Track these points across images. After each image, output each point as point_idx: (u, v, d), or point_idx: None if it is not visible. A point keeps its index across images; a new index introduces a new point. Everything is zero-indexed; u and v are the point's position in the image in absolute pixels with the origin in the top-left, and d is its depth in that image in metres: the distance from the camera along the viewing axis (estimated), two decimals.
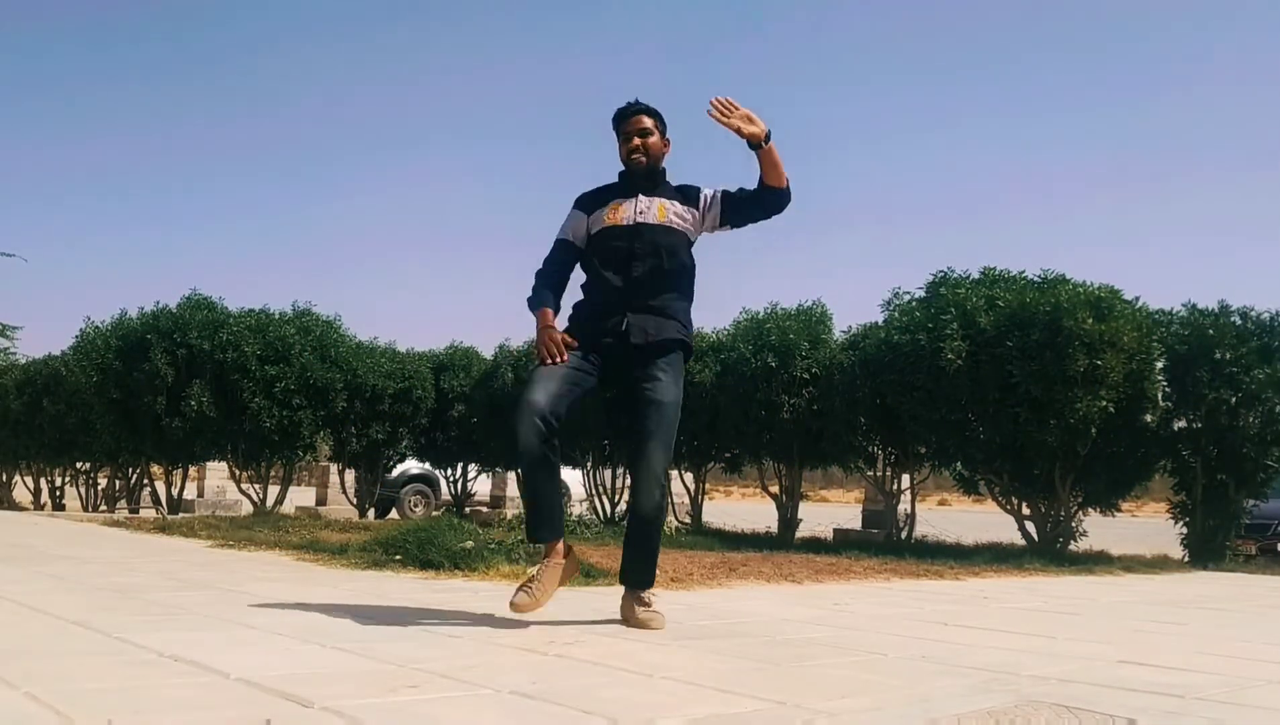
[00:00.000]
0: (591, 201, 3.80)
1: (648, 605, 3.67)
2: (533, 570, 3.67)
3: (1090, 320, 8.09)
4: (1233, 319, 8.74)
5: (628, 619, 3.66)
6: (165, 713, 2.06)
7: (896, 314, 9.41)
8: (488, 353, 13.80)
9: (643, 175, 3.75)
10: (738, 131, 3.57)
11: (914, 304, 9.37)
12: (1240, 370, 8.41)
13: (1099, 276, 10.08)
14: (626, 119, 3.74)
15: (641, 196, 3.73)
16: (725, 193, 3.81)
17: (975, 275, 9.35)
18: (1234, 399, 8.48)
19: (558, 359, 3.61)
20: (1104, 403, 8.16)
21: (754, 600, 4.71)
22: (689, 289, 3.81)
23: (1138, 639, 3.86)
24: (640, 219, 3.70)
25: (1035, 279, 9.04)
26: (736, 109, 3.56)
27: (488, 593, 4.53)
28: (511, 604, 3.47)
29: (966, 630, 3.85)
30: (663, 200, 3.74)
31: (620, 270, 3.67)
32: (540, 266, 3.81)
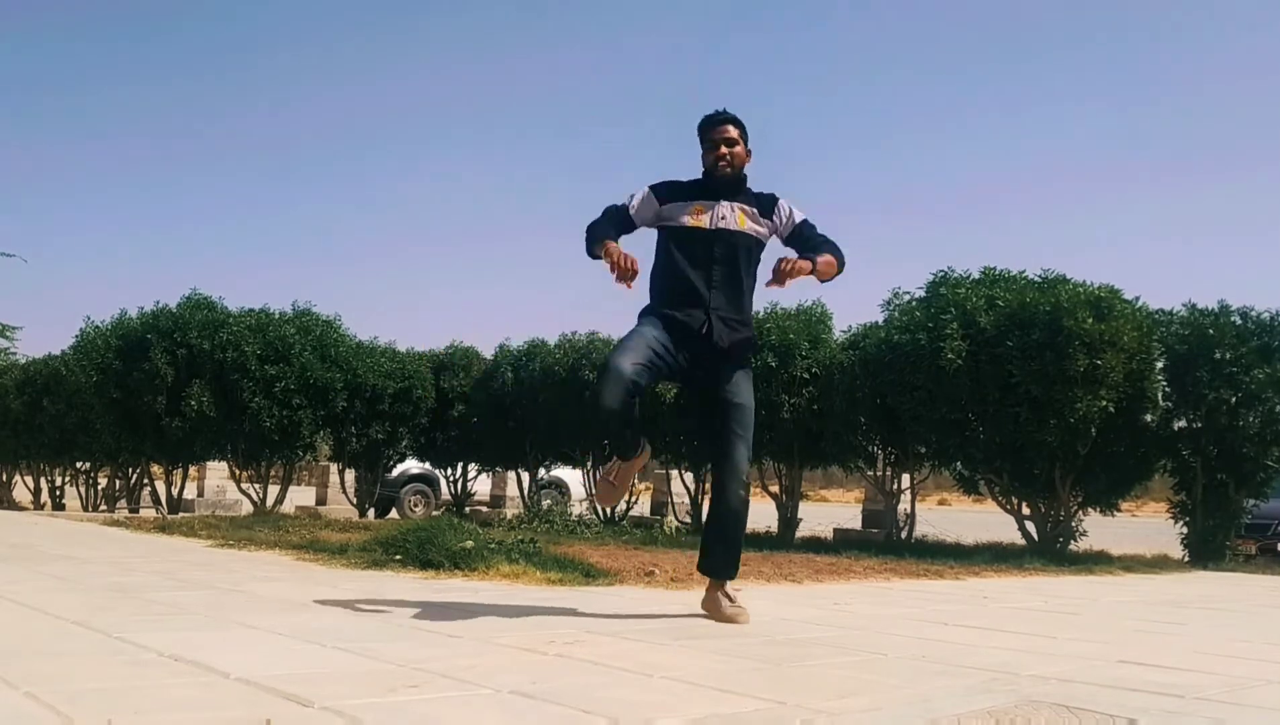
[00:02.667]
0: (670, 192, 3.84)
1: (732, 600, 3.84)
2: (610, 466, 3.95)
3: (1090, 320, 8.09)
4: (1233, 319, 8.74)
5: (712, 613, 3.81)
6: (165, 713, 2.06)
7: (896, 314, 9.41)
8: (488, 353, 13.81)
9: (727, 183, 3.83)
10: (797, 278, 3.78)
11: (914, 304, 9.37)
12: (1240, 370, 8.41)
13: (1099, 276, 10.08)
14: (714, 127, 3.82)
15: (724, 202, 3.80)
16: (805, 224, 3.91)
17: (975, 275, 9.35)
18: (1234, 399, 8.48)
19: (630, 271, 3.59)
20: (1104, 402, 8.16)
21: (754, 600, 4.70)
22: (753, 296, 3.93)
23: (1138, 639, 3.86)
24: (722, 225, 3.77)
25: (1035, 279, 9.04)
26: (790, 271, 3.69)
27: (488, 593, 4.54)
28: (596, 497, 3.70)
29: (966, 630, 3.85)
30: (743, 208, 3.83)
31: (702, 272, 3.74)
32: (594, 220, 3.81)
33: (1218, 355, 8.53)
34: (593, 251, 3.70)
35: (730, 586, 3.90)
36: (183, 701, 2.16)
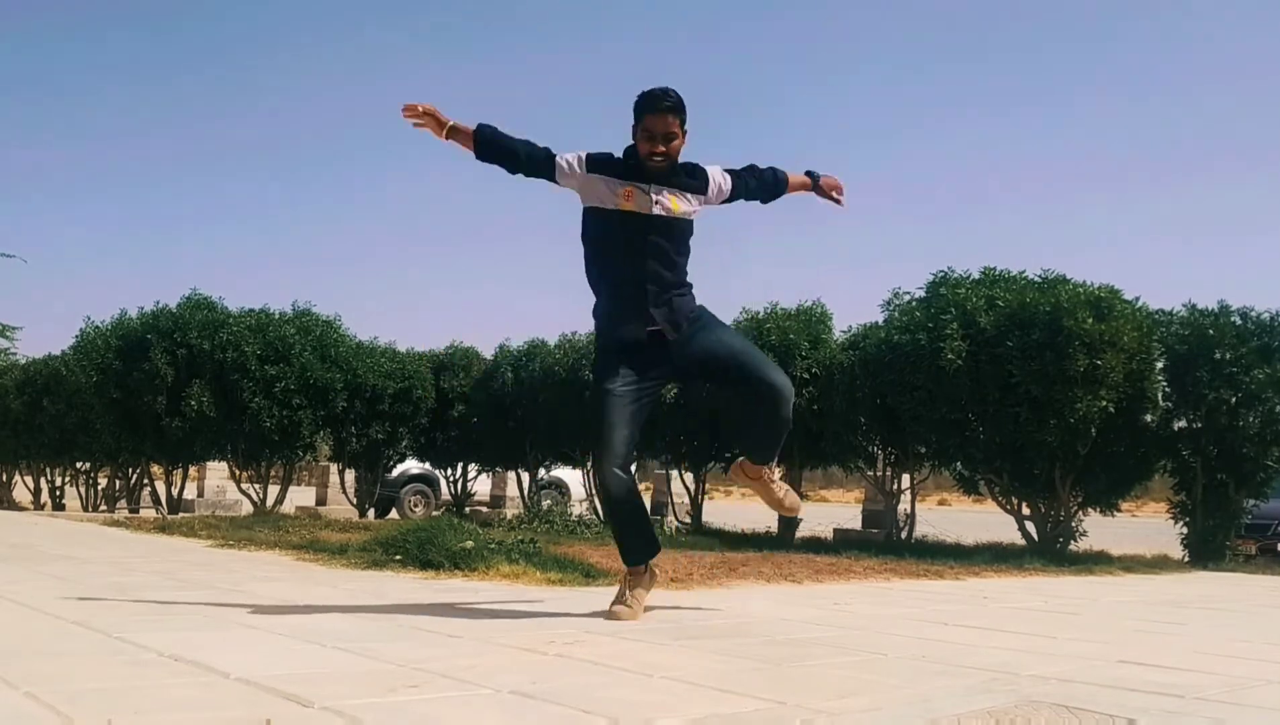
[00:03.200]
0: (599, 165, 3.69)
1: (775, 478, 4.06)
2: (623, 585, 3.86)
3: (1090, 320, 8.09)
4: (1233, 319, 8.74)
5: (771, 498, 4.05)
6: (165, 713, 2.06)
7: (896, 314, 9.41)
8: (488, 353, 13.81)
9: (660, 176, 3.72)
10: (829, 195, 4.13)
11: (914, 304, 9.37)
12: (1240, 370, 8.41)
13: (1099, 276, 10.08)
14: (656, 115, 3.61)
15: (655, 187, 3.68)
16: (734, 177, 3.90)
17: (975, 275, 9.35)
18: (1234, 399, 8.48)
19: (415, 113, 3.65)
20: (1104, 403, 8.16)
21: (754, 600, 4.71)
22: (687, 268, 3.88)
23: (1138, 639, 3.86)
24: (656, 210, 3.67)
25: (1035, 279, 9.04)
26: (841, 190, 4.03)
27: (488, 593, 4.54)
28: (611, 613, 3.69)
29: (966, 630, 3.85)
30: (675, 193, 3.72)
31: (636, 262, 3.67)
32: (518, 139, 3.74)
33: (1218, 355, 8.53)
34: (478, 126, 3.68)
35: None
36: (183, 701, 2.16)
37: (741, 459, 4.09)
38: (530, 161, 3.69)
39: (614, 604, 3.75)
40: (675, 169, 3.74)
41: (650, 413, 3.88)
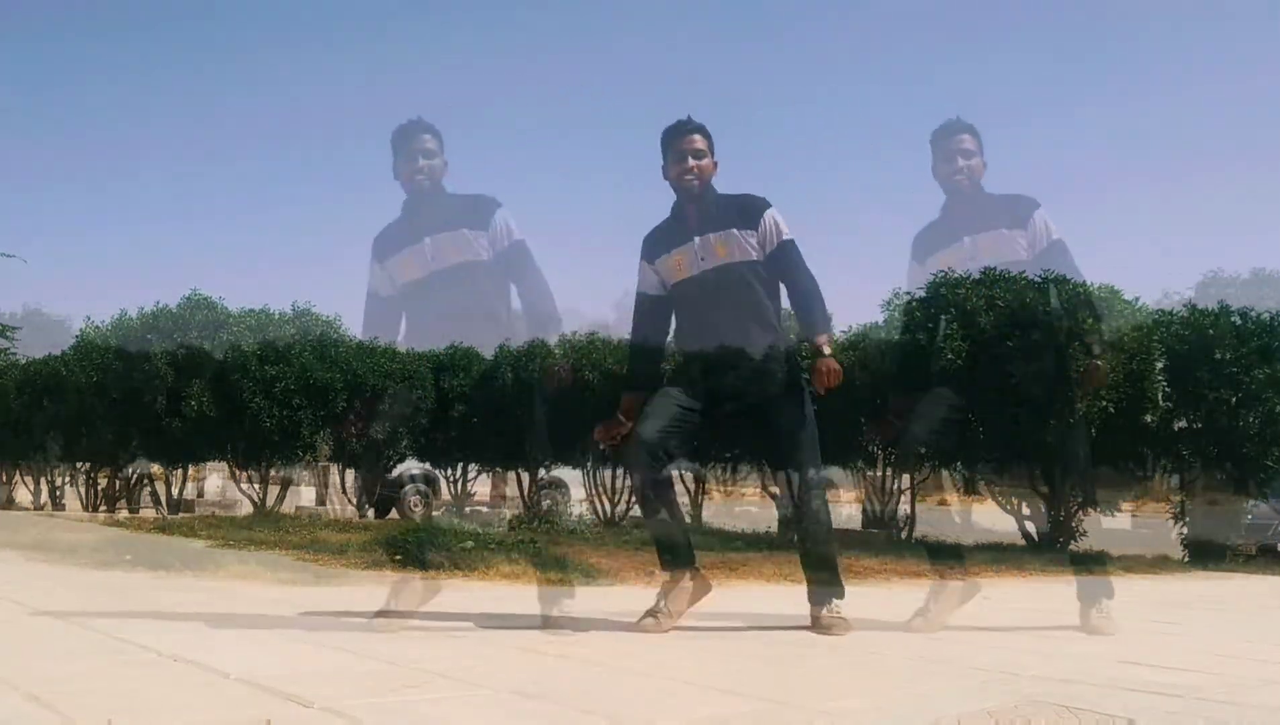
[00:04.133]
0: (652, 248, 3.65)
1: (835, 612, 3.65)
2: (660, 594, 3.58)
3: (1090, 320, 8.09)
4: (1233, 319, 8.74)
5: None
6: (165, 713, 2.06)
7: (896, 314, 9.41)
8: (488, 353, 13.79)
9: (694, 200, 3.58)
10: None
11: (914, 304, 9.37)
12: (1240, 370, 8.41)
13: (1099, 276, 10.08)
14: (680, 137, 3.57)
15: (697, 240, 3.55)
16: (788, 246, 3.61)
17: (975, 275, 9.33)
18: (1234, 399, 8.47)
19: (606, 442, 3.63)
20: (1104, 403, 8.15)
21: (754, 600, 4.71)
22: (770, 314, 3.62)
23: (1138, 639, 3.86)
24: (702, 267, 3.55)
25: (1035, 279, 9.03)
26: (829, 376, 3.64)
27: (488, 593, 4.54)
28: (640, 626, 3.44)
29: (966, 630, 3.85)
30: (718, 236, 3.56)
31: (700, 325, 3.58)
32: (632, 335, 3.71)
33: (1218, 355, 8.52)
34: (629, 391, 3.63)
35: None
36: (183, 701, 2.16)
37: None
38: (654, 315, 3.68)
39: (644, 615, 3.48)
40: (714, 202, 3.60)
41: (695, 433, 3.66)
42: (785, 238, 3.60)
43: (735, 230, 3.57)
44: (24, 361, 17.70)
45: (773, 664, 2.89)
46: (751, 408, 3.66)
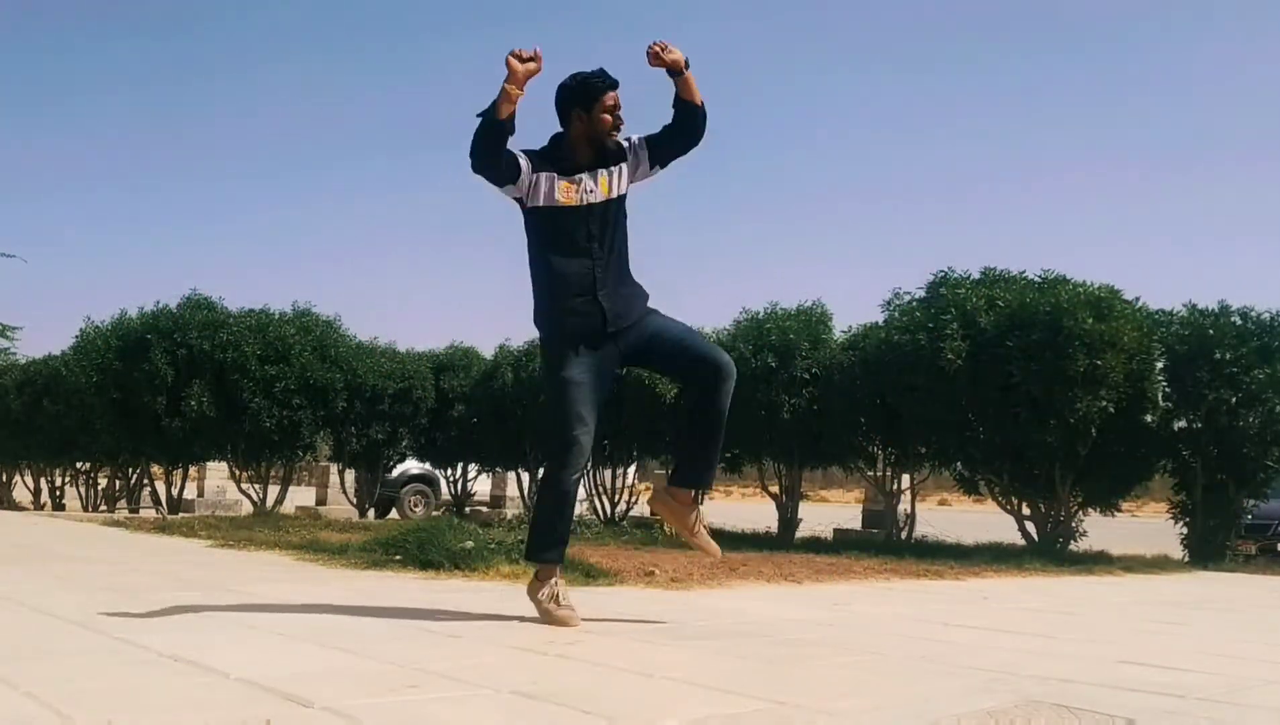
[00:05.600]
0: (537, 160, 3.66)
1: (704, 523, 3.83)
2: (556, 588, 3.61)
3: (1090, 320, 8.10)
4: (1233, 319, 8.74)
5: (690, 534, 3.78)
6: (165, 713, 2.06)
7: (896, 314, 9.41)
8: (488, 353, 13.81)
9: (599, 148, 3.68)
10: (664, 64, 3.64)
11: (914, 304, 9.37)
12: (1240, 370, 8.41)
13: (1099, 276, 10.09)
14: (604, 92, 3.65)
15: (585, 175, 3.67)
16: (646, 137, 3.79)
17: (975, 275, 9.35)
18: (1234, 399, 8.48)
19: (528, 58, 3.51)
20: (1104, 403, 8.16)
21: (754, 600, 4.71)
22: (628, 249, 3.81)
23: (1138, 639, 3.86)
24: (590, 199, 3.66)
25: (1035, 279, 9.04)
26: (668, 48, 3.63)
27: (488, 593, 4.53)
28: (554, 617, 3.50)
29: (966, 630, 3.85)
30: (602, 172, 3.69)
31: (579, 256, 3.65)
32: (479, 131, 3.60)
33: (1218, 355, 8.52)
34: (493, 114, 3.49)
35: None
36: (183, 701, 2.16)
37: (670, 486, 3.85)
38: (509, 162, 3.63)
39: (554, 606, 3.53)
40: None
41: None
42: (642, 136, 3.77)
43: (612, 167, 3.72)
44: (24, 361, 17.74)
45: (773, 664, 2.89)
46: (636, 335, 3.71)
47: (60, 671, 2.45)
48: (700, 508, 3.87)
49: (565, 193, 3.66)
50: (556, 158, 3.71)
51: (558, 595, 3.55)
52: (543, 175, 3.67)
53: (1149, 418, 8.85)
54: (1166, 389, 8.82)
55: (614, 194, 3.72)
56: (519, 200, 3.72)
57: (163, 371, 11.46)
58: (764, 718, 2.20)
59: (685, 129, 3.79)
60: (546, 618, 3.51)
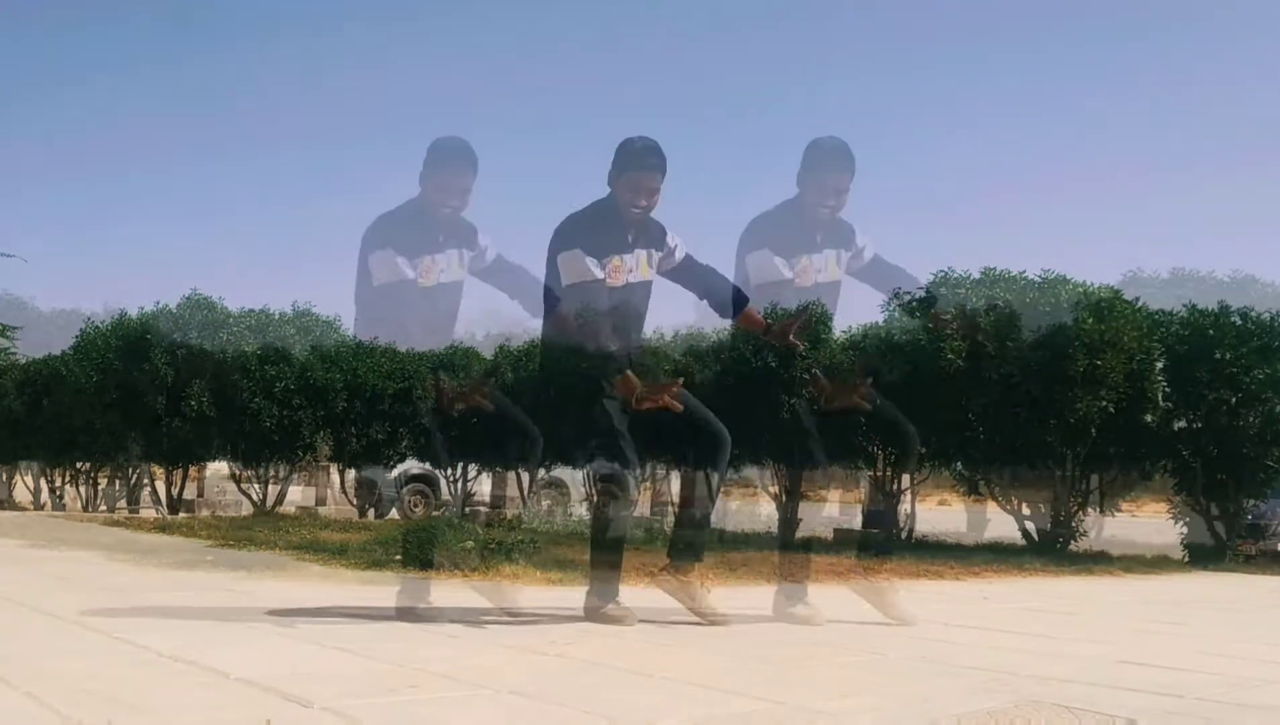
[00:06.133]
0: (587, 243, 3.69)
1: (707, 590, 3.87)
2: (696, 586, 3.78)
3: (1090, 320, 8.09)
4: (1233, 319, 8.74)
5: (698, 608, 3.73)
6: (165, 713, 2.06)
7: (896, 314, 9.41)
8: (488, 353, 13.80)
9: (632, 225, 3.77)
10: (783, 336, 4.03)
11: (914, 304, 9.37)
12: (1240, 370, 8.40)
13: (1099, 277, 10.10)
14: (644, 171, 3.70)
15: (633, 254, 3.76)
16: (686, 261, 3.91)
17: (975, 275, 9.35)
18: (1234, 399, 8.47)
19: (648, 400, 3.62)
20: (1104, 403, 8.15)
21: (754, 600, 4.71)
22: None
23: (1138, 639, 3.86)
24: (630, 279, 3.77)
25: (1035, 279, 9.04)
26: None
27: (487, 593, 4.53)
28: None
29: (966, 630, 3.85)
30: (644, 252, 3.81)
31: (616, 330, 3.73)
32: (575, 316, 3.69)
33: (1218, 355, 8.52)
34: (606, 373, 3.60)
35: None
36: (183, 701, 2.16)
37: (667, 564, 3.87)
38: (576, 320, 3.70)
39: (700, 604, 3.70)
40: (646, 223, 3.83)
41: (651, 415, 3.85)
42: (684, 252, 3.93)
43: (654, 251, 3.84)
44: (24, 361, 17.74)
45: (773, 664, 2.89)
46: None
47: (60, 671, 2.45)
48: (703, 586, 3.85)
49: (613, 274, 3.73)
50: (611, 228, 3.75)
51: (698, 595, 3.70)
52: (594, 260, 3.68)
53: (1149, 418, 8.84)
54: (1166, 389, 8.81)
55: (649, 276, 3.83)
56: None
57: (163, 371, 11.47)
58: (764, 718, 2.20)
59: (712, 301, 4.01)
60: (692, 608, 3.65)
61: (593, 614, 3.63)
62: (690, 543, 3.84)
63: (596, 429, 3.71)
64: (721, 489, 4.04)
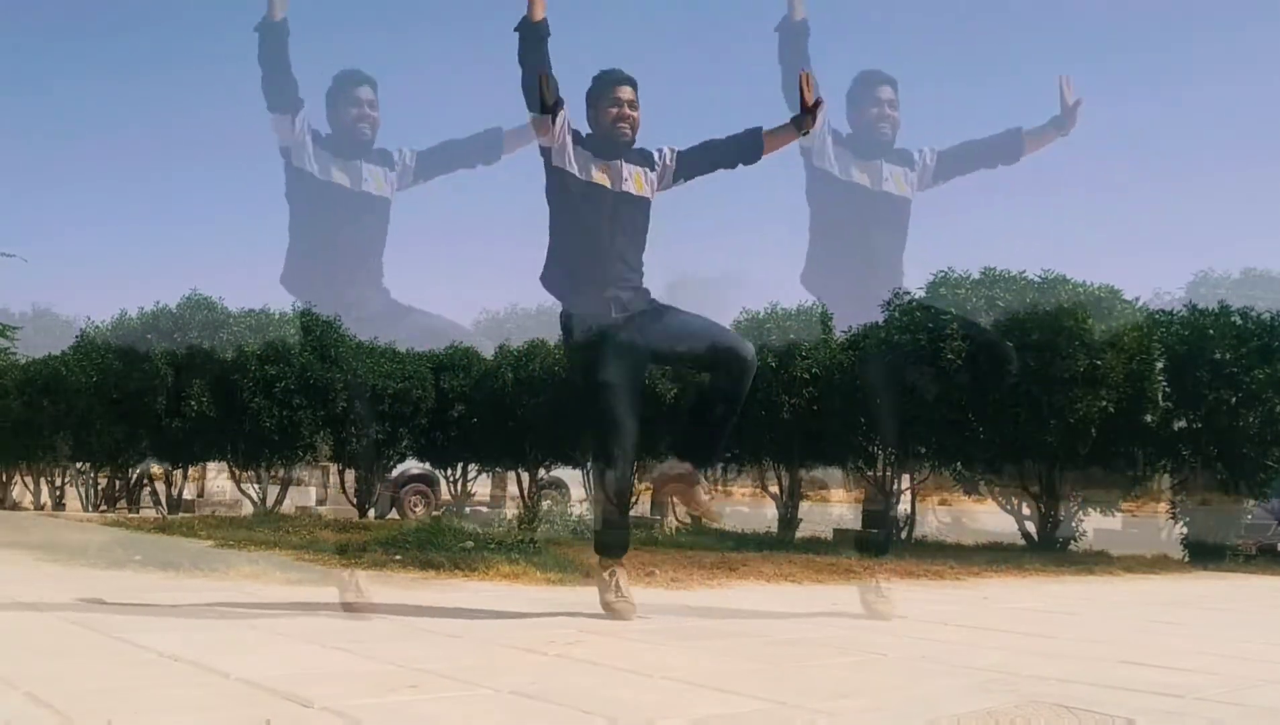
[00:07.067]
0: (579, 141, 3.77)
1: (707, 491, 3.96)
2: (613, 577, 3.76)
3: (1090, 320, 8.09)
4: (1233, 319, 8.74)
5: (693, 502, 3.87)
6: (165, 713, 2.06)
7: (896, 314, 9.40)
8: (488, 353, 13.80)
9: (622, 149, 3.83)
10: (809, 103, 3.88)
11: (914, 304, 9.36)
12: (1240, 370, 8.41)
13: (1099, 276, 10.09)
14: (615, 85, 3.80)
15: (625, 163, 3.80)
16: (681, 154, 3.95)
17: (975, 275, 9.34)
18: (1234, 399, 8.47)
19: None
20: (1104, 403, 8.15)
21: (754, 600, 4.71)
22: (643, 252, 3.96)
23: (1138, 639, 3.86)
24: (625, 188, 3.79)
25: (1035, 279, 9.04)
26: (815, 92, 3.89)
27: (488, 593, 4.54)
28: (612, 609, 3.68)
29: (966, 630, 3.85)
30: (639, 170, 3.84)
31: (601, 239, 3.76)
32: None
33: (1218, 355, 8.52)
34: (527, 16, 3.60)
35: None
36: (183, 701, 2.16)
37: (674, 463, 3.90)
38: (549, 81, 3.66)
39: (612, 597, 3.70)
40: (632, 144, 3.87)
41: (644, 411, 3.90)
42: (675, 150, 3.96)
43: (648, 170, 3.89)
44: (24, 361, 17.73)
45: (773, 664, 2.89)
46: (659, 332, 3.81)
47: (60, 671, 2.45)
48: (702, 479, 3.94)
49: (601, 172, 3.76)
50: (596, 144, 3.81)
51: (618, 586, 3.69)
52: (579, 147, 3.75)
53: (1149, 418, 8.84)
54: (1166, 389, 8.81)
55: (647, 193, 3.85)
56: (546, 151, 3.77)
57: (163, 371, 11.46)
58: (764, 718, 2.20)
59: (729, 160, 3.99)
60: (607, 608, 3.65)
61: (606, 605, 3.71)
62: (603, 538, 3.86)
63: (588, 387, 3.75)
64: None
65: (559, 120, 3.70)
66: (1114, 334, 8.13)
